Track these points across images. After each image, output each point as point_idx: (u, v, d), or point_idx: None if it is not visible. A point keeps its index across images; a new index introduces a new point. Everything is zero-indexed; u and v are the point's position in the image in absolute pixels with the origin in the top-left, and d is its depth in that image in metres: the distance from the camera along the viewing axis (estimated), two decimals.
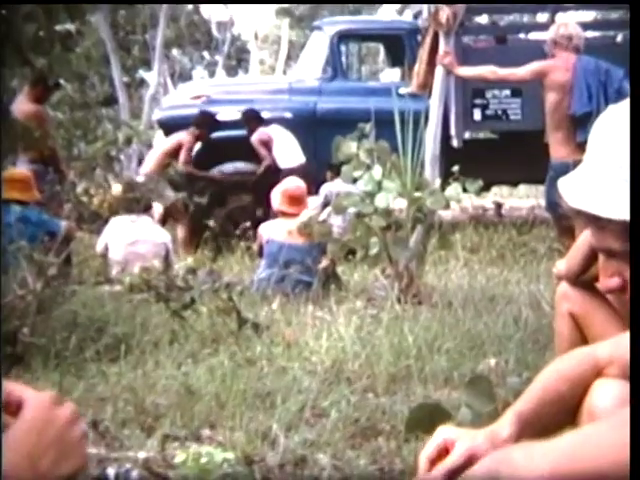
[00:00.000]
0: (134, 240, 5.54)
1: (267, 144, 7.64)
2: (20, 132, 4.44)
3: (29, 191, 5.28)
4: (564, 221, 5.06)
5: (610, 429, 0.98)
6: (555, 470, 0.96)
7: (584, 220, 1.16)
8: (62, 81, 8.33)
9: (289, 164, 7.50)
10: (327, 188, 7.10)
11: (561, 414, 1.31)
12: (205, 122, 7.71)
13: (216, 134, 7.85)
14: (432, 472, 1.27)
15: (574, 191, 1.15)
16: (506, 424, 1.31)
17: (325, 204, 6.80)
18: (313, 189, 6.77)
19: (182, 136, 7.58)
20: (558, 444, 1.01)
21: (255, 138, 7.61)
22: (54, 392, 0.95)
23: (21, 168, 6.12)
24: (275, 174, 7.26)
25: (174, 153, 7.50)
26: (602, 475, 0.94)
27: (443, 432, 1.33)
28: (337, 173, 6.83)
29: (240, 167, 7.70)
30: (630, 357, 1.09)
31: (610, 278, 1.17)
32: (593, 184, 1.14)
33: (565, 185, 1.18)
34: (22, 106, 6.47)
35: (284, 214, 5.51)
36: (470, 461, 1.23)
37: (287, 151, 7.64)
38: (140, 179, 7.14)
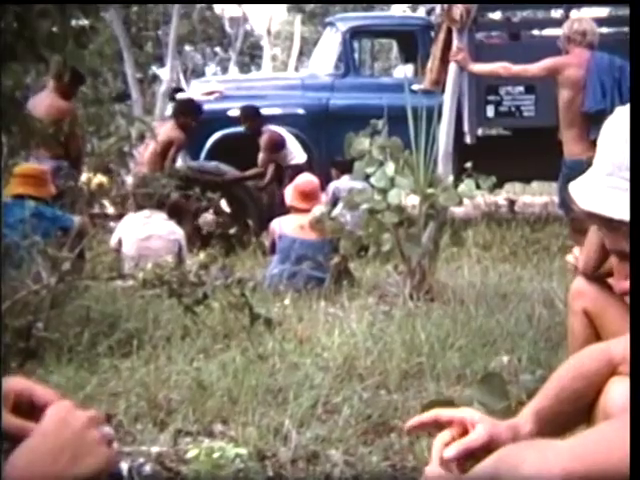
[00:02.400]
0: (147, 236, 5.56)
1: (278, 145, 7.42)
2: (34, 128, 4.43)
3: (44, 186, 5.28)
4: (577, 219, 5.04)
5: (622, 427, 0.98)
6: (568, 471, 0.96)
7: (596, 223, 1.15)
8: None
9: (298, 160, 7.48)
10: (334, 185, 7.09)
11: (578, 411, 1.31)
12: (187, 109, 7.34)
13: (228, 130, 7.83)
14: (450, 448, 1.26)
15: (585, 194, 1.15)
16: (526, 420, 1.31)
17: (333, 202, 6.78)
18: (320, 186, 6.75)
19: (170, 131, 7.11)
20: (572, 444, 1.01)
21: (266, 139, 7.38)
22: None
23: (44, 164, 5.98)
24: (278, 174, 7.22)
25: (165, 152, 7.01)
26: (615, 473, 0.94)
27: (466, 412, 1.32)
28: (342, 171, 6.85)
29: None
30: (630, 357, 1.09)
31: (625, 280, 1.17)
32: (604, 186, 1.13)
33: (576, 188, 1.17)
34: (54, 102, 6.33)
35: (296, 210, 5.52)
36: (489, 445, 1.23)
37: (296, 148, 7.62)
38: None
